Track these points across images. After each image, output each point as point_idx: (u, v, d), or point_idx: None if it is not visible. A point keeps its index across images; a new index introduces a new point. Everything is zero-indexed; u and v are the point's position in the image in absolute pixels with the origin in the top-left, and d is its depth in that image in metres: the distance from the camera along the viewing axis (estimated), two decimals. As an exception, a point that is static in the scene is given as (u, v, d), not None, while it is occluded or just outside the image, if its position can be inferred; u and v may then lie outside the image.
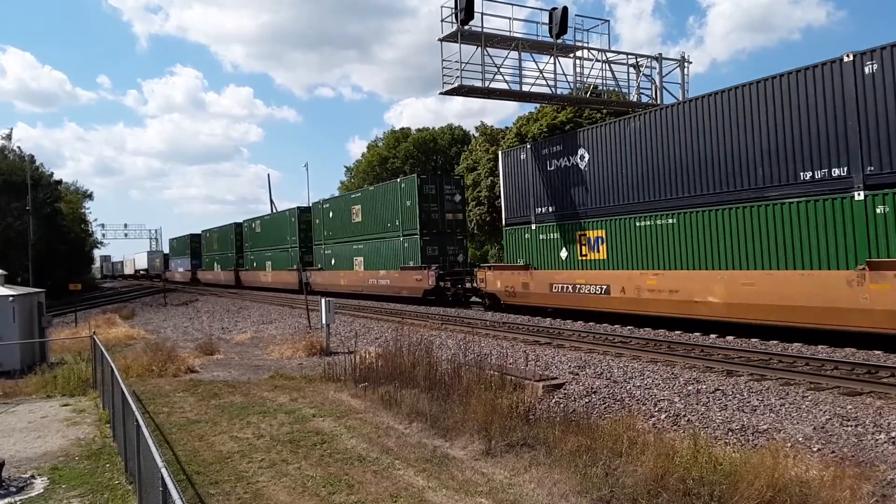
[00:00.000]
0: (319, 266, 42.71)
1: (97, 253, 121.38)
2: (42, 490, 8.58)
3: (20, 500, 8.24)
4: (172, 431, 11.13)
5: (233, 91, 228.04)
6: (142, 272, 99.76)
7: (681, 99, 24.69)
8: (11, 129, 61.05)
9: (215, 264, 66.36)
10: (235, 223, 61.39)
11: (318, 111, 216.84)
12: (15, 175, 47.90)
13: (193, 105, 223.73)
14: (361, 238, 37.37)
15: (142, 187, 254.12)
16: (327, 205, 42.99)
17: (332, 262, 40.98)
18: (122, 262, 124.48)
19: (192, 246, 74.74)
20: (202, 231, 72.86)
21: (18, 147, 56.88)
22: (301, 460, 9.33)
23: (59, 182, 64.64)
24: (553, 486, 7.84)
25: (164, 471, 4.84)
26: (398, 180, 34.72)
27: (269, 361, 19.11)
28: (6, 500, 8.16)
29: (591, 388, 12.38)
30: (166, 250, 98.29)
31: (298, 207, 47.55)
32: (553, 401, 12.13)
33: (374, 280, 35.30)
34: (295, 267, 44.06)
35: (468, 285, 30.44)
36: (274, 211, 64.96)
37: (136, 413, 7.02)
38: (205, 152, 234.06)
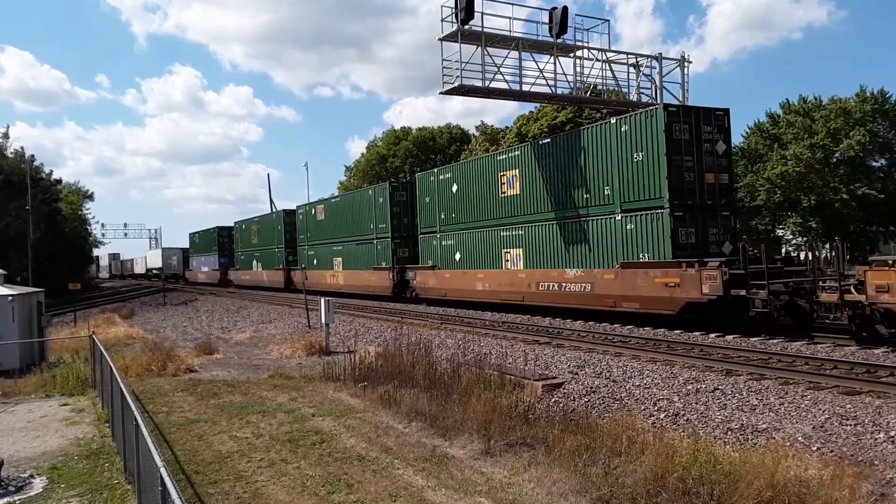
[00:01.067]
0: (432, 264, 30.44)
1: (105, 251, 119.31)
2: (41, 489, 8.57)
3: (19, 499, 8.24)
4: (171, 431, 11.13)
5: (232, 90, 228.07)
6: (155, 271, 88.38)
7: (680, 99, 24.72)
8: (8, 126, 60.34)
9: (255, 263, 54.71)
10: (285, 210, 50.39)
11: (318, 110, 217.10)
12: (14, 175, 47.87)
13: (193, 104, 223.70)
14: (519, 221, 24.83)
15: (141, 187, 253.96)
16: (447, 175, 29.80)
17: (457, 257, 28.49)
18: (132, 261, 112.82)
19: (221, 241, 63.30)
20: (235, 223, 61.95)
21: (22, 147, 56.93)
22: (300, 460, 9.32)
23: (59, 181, 64.64)
24: (552, 486, 7.84)
25: (163, 470, 4.84)
26: (613, 121, 20.96)
27: (268, 361, 19.10)
28: (5, 500, 8.15)
29: (591, 388, 12.38)
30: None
31: (390, 183, 36.07)
32: (552, 400, 12.13)
33: (553, 284, 22.61)
34: (384, 265, 33.66)
35: (818, 296, 15.98)
36: (271, 209, 62.48)
37: (136, 412, 7.02)
38: (204, 152, 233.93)
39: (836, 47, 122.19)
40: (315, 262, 42.77)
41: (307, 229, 44.74)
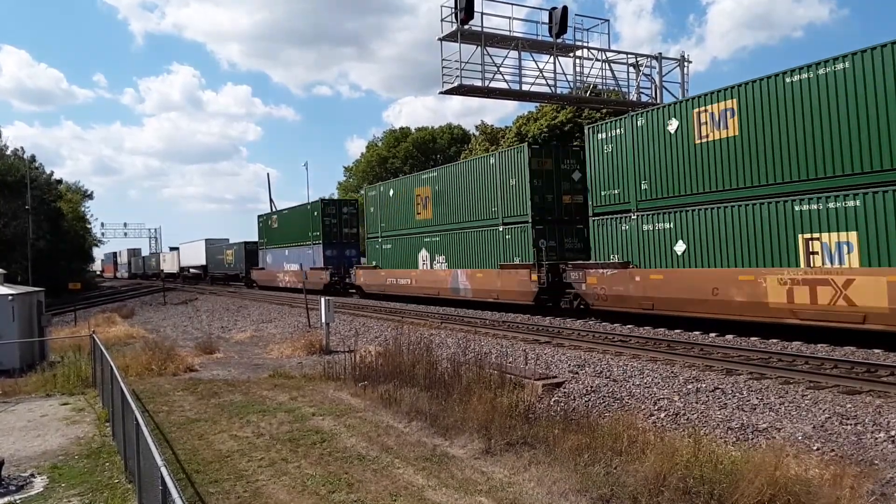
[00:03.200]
0: None
1: (124, 246, 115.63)
2: (42, 489, 8.57)
3: (20, 498, 8.23)
4: (172, 430, 11.12)
5: (230, 89, 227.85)
6: (194, 270, 68.79)
7: (680, 98, 24.71)
8: None
9: (423, 256, 30.03)
10: (531, 144, 26.05)
11: (316, 110, 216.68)
12: (12, 175, 47.82)
13: (191, 104, 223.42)
14: None
15: (140, 187, 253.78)
16: None
17: None
18: (157, 257, 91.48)
19: (326, 222, 40.78)
20: (366, 188, 38.96)
21: (21, 147, 56.94)
22: (301, 459, 9.32)
23: (59, 182, 64.68)
24: (553, 485, 7.84)
25: (163, 469, 4.84)
26: None
27: (268, 360, 19.10)
28: (6, 499, 8.15)
29: (591, 387, 12.38)
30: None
31: None
32: (553, 399, 12.13)
33: None
34: None
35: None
36: (271, 209, 55.09)
37: (136, 412, 7.02)
38: (203, 151, 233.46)
39: (837, 46, 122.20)
40: (682, 247, 17.87)
41: (671, 174, 18.23)
